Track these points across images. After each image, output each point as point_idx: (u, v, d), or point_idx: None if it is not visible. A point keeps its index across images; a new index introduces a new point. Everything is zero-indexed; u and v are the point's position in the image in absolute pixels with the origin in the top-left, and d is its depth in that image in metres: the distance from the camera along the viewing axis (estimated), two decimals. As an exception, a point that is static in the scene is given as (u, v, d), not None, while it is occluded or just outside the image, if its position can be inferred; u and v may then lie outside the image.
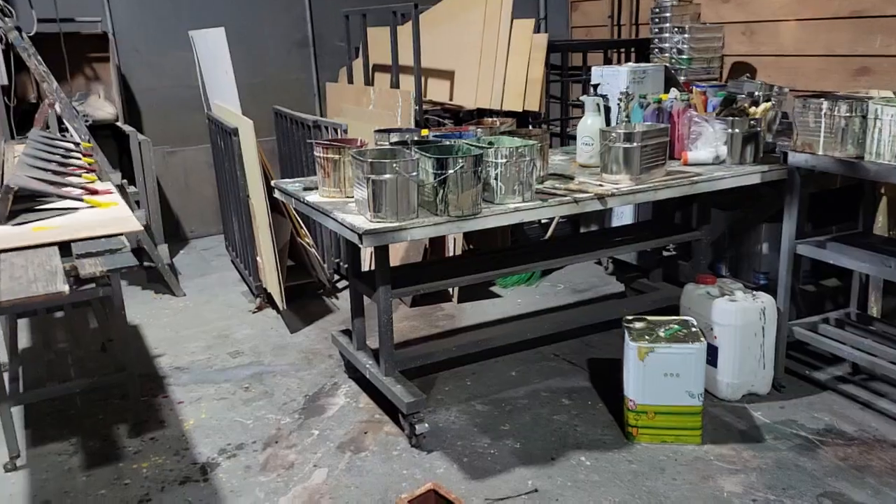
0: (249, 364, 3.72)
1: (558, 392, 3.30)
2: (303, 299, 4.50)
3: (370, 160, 2.54)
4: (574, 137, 5.68)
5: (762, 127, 3.27)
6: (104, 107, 5.25)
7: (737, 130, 3.24)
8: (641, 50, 5.00)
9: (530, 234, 5.24)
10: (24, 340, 3.99)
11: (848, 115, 2.78)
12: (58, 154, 3.42)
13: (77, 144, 3.92)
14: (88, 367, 3.64)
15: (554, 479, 2.66)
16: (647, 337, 2.84)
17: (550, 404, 3.19)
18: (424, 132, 3.41)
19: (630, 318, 3.02)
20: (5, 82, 4.44)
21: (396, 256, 4.35)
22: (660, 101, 3.43)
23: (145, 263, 4.82)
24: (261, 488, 2.68)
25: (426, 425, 2.86)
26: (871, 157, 2.71)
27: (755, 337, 3.10)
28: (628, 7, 5.58)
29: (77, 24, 5.18)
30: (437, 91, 4.86)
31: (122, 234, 2.58)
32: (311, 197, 2.98)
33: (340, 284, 4.75)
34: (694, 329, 2.91)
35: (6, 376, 2.94)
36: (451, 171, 2.55)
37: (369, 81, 5.01)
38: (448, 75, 4.76)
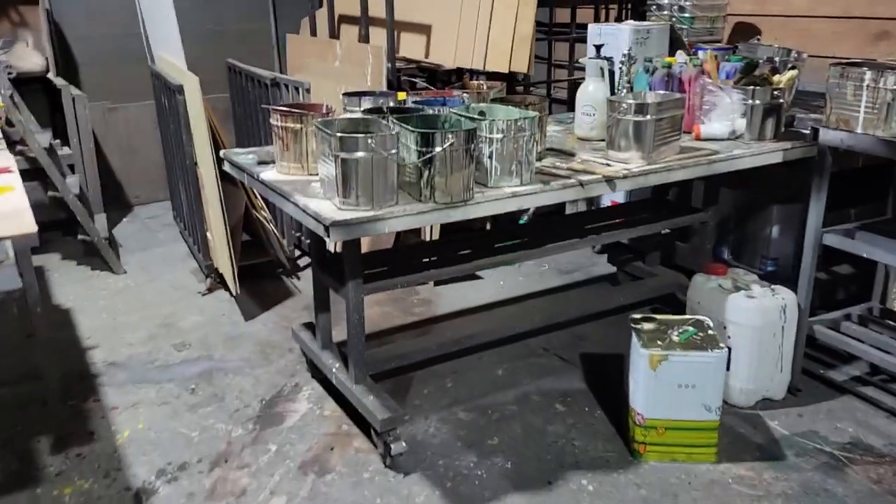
0: (197, 359, 3.26)
1: (551, 395, 2.92)
2: (260, 280, 4.02)
3: (339, 134, 2.07)
4: (561, 102, 5.27)
5: (785, 98, 2.88)
6: (31, 57, 4.62)
7: (757, 102, 2.83)
8: (637, 7, 4.54)
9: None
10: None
11: (896, 87, 2.40)
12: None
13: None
14: (5, 367, 3.14)
15: (552, 509, 2.30)
16: (659, 342, 2.47)
17: (543, 411, 2.82)
18: (401, 96, 2.94)
19: (637, 317, 2.64)
20: None
21: (365, 240, 3.89)
22: (669, 66, 3.00)
23: (80, 237, 4.29)
24: (207, 522, 2.27)
25: (403, 444, 2.46)
26: (923, 139, 2.34)
27: (774, 338, 2.75)
28: (620, -42, 5.10)
29: (-3, -41, 4.52)
30: (411, 47, 4.36)
31: (6, 239, 2.03)
32: (268, 174, 2.50)
33: (302, 262, 4.28)
34: (711, 332, 2.54)
35: None
36: (438, 150, 2.10)
37: (335, 34, 4.48)
38: (424, 29, 4.26)
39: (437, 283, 3.95)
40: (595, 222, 3.25)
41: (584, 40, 4.84)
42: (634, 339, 2.51)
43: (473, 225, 4.01)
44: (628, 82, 3.16)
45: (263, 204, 4.10)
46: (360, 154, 2.05)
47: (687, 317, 2.65)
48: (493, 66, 3.87)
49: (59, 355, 3.21)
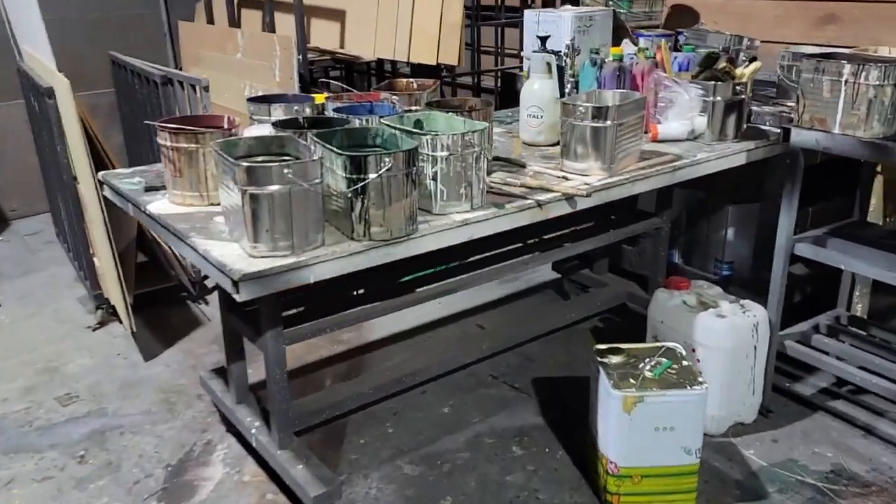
0: (87, 415, 2.75)
1: (505, 435, 2.59)
2: (161, 309, 3.51)
3: (246, 163, 1.63)
4: (487, 91, 4.92)
5: (747, 93, 2.61)
6: None
7: (718, 98, 2.56)
8: (568, -12, 4.22)
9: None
10: None
11: (879, 83, 2.15)
12: None
13: None
14: None
15: (523, 588, 1.97)
16: (631, 380, 2.16)
17: (499, 457, 2.48)
18: (319, 98, 2.50)
19: (602, 348, 2.33)
20: None
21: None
22: (620, 59, 2.68)
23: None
24: None
25: (343, 522, 2.07)
26: (910, 141, 2.11)
27: (746, 359, 2.51)
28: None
29: None
30: (324, 36, 3.90)
31: None
32: (157, 205, 2.03)
33: (210, 282, 3.78)
34: (686, 363, 2.26)
35: None
36: (372, 176, 1.70)
37: (235, 21, 3.95)
38: (338, 15, 3.81)
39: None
40: (541, 233, 2.92)
41: (513, 25, 4.53)
42: (603, 377, 2.19)
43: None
44: (572, 76, 2.83)
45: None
46: (274, 188, 1.62)
47: (657, 345, 2.36)
48: (418, 57, 3.47)
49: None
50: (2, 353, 3.19)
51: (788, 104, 2.97)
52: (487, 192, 2.05)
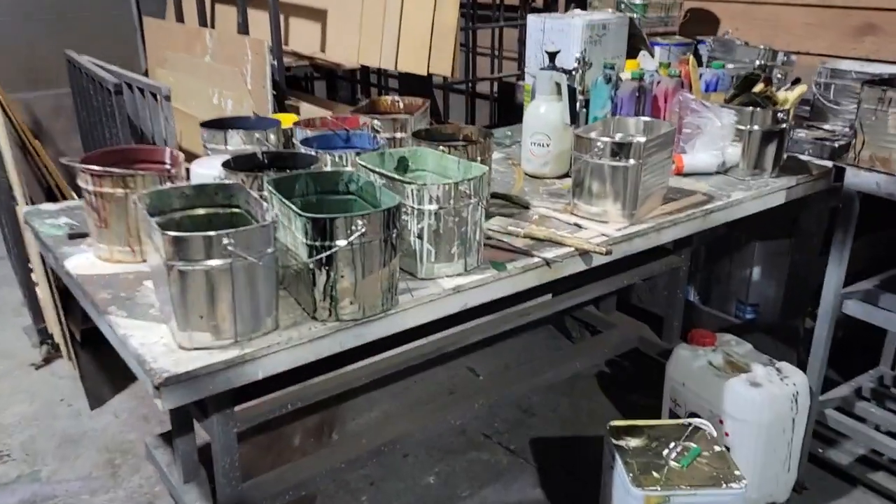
0: (17, 481, 2.38)
1: (501, 515, 2.23)
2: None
3: (174, 234, 1.24)
4: (482, 97, 4.50)
5: (790, 121, 2.24)
6: None
7: (756, 127, 2.19)
8: (572, -11, 3.83)
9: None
10: None
11: (959, 120, 1.79)
12: None
13: None
14: None
15: None
16: (654, 473, 1.80)
17: (493, 547, 2.13)
18: (287, 121, 2.13)
19: (617, 426, 1.97)
20: None
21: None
22: (641, 77, 2.31)
23: None
24: None
25: None
26: None
27: (783, 434, 2.15)
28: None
29: None
30: (303, 38, 3.51)
31: None
32: (80, 259, 1.65)
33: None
34: (718, 449, 1.90)
35: None
36: (342, 244, 1.32)
37: (205, 21, 3.55)
38: (319, 16, 3.41)
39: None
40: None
41: (513, 26, 4.14)
42: (619, 467, 1.83)
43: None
44: (581, 93, 2.45)
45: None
46: (211, 263, 1.24)
47: (682, 422, 2.00)
48: (406, 65, 3.09)
49: None
50: (-71, 396, 2.81)
51: (826, 128, 2.62)
52: (484, 244, 1.67)
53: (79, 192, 1.64)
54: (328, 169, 1.67)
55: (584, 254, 1.74)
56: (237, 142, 1.92)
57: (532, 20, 2.77)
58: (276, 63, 3.12)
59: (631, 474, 1.79)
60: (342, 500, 2.27)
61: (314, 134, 1.91)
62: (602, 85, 2.41)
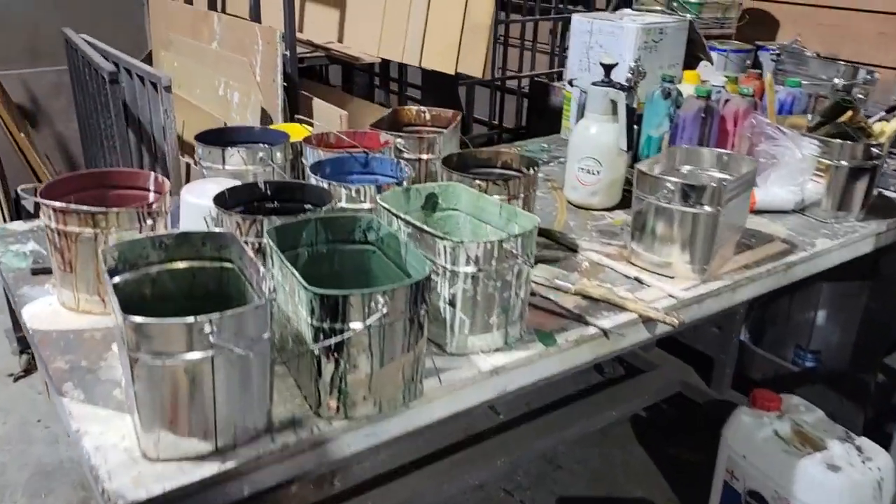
0: (-20, 523, 2.12)
1: None
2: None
3: (138, 319, 0.93)
4: (512, 92, 4.14)
5: (884, 155, 1.92)
6: None
7: (843, 162, 1.87)
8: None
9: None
10: None
11: None
12: None
13: None
14: None
15: None
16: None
17: None
18: (298, 134, 1.83)
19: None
20: None
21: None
22: (708, 95, 1.98)
23: None
24: None
25: None
26: None
27: (860, 523, 1.86)
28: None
29: None
30: (318, 26, 3.19)
31: None
32: (40, 305, 1.37)
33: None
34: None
35: None
36: (357, 327, 1.03)
37: (214, 5, 3.23)
38: (337, 1, 3.09)
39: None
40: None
41: (550, 19, 3.80)
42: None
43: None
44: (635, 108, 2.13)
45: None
46: (188, 357, 0.94)
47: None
48: (432, 62, 2.77)
49: None
50: None
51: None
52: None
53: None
54: (341, 213, 1.37)
55: (647, 320, 1.44)
56: (237, 161, 1.62)
57: (577, 21, 2.44)
58: (288, 53, 2.81)
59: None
60: (344, 566, 2.00)
61: (327, 156, 1.61)
62: (659, 100, 2.10)
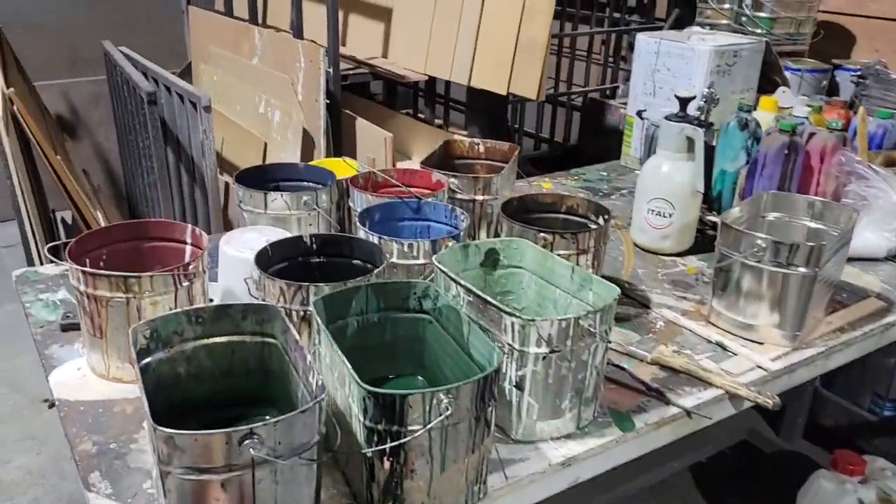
0: (10, 567, 2.05)
1: None
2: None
3: (169, 431, 0.81)
4: (561, 104, 3.94)
5: None
6: None
7: (946, 206, 1.68)
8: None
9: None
10: None
11: None
12: None
13: None
14: None
15: None
16: None
17: None
18: (342, 170, 1.70)
19: None
20: None
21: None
22: (793, 130, 1.80)
23: None
24: None
25: None
26: None
27: None
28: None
29: None
30: (362, 42, 3.07)
31: None
32: (68, 370, 1.26)
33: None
34: None
35: None
36: (417, 430, 0.89)
37: (255, 17, 3.12)
38: (382, 15, 2.97)
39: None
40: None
41: (607, 32, 3.62)
42: None
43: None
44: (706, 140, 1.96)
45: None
46: (230, 472, 0.82)
47: None
48: (483, 81, 2.62)
49: None
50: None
51: None
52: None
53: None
54: (395, 280, 1.24)
55: (733, 396, 1.28)
56: (280, 206, 1.50)
57: (643, 40, 2.27)
58: (331, 70, 2.69)
59: None
60: None
61: (376, 202, 1.48)
62: (735, 132, 1.93)
